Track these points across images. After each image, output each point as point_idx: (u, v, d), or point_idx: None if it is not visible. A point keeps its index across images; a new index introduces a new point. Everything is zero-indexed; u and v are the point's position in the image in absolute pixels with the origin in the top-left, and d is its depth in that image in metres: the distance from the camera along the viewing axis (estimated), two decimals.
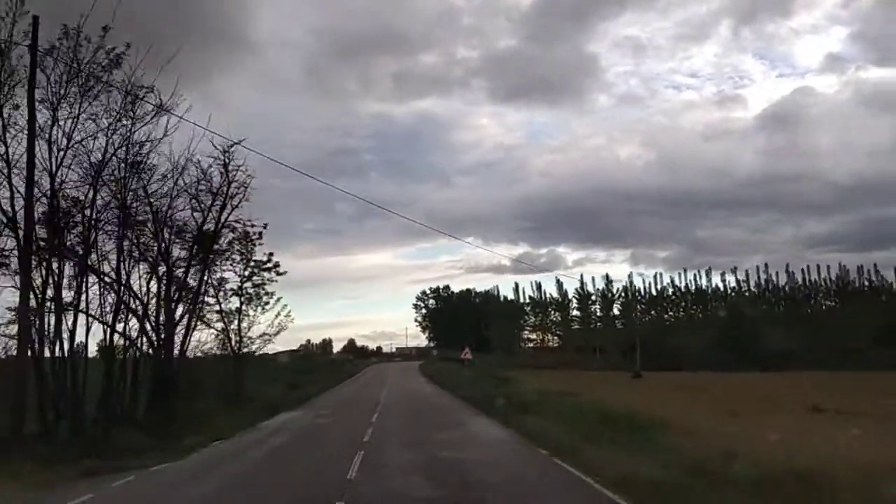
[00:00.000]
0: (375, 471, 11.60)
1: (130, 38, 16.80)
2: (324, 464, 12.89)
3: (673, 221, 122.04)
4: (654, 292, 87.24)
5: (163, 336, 20.69)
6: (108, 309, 18.49)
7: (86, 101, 16.52)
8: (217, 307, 26.93)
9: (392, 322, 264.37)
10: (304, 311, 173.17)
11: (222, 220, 22.63)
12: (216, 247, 23.86)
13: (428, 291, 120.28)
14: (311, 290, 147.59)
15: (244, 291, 28.05)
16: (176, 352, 21.83)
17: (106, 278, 18.56)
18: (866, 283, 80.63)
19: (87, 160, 17.28)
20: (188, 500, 10.10)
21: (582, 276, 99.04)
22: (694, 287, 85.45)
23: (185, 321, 22.25)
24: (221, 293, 27.08)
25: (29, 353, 15.29)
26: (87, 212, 17.50)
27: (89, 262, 17.75)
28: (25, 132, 15.11)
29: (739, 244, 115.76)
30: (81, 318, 17.62)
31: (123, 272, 19.03)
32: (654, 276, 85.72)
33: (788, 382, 36.55)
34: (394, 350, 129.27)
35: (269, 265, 28.41)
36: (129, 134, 17.85)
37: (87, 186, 17.38)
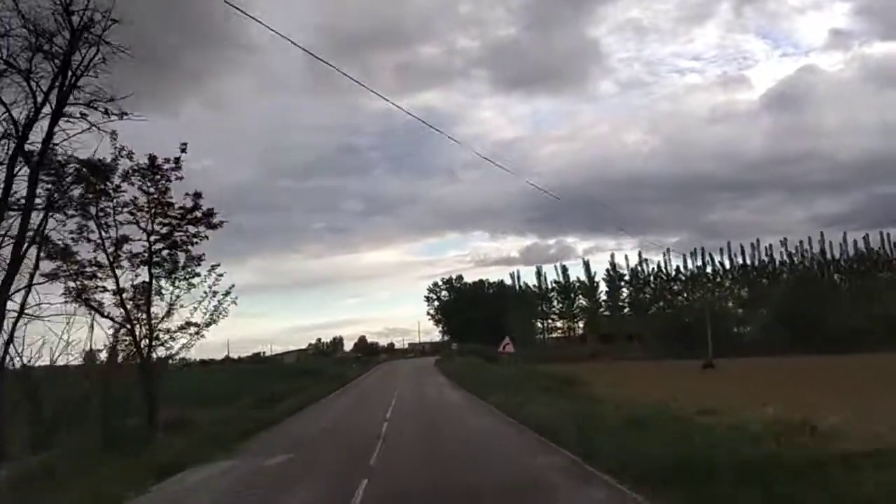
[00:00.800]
0: None
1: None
2: None
3: (680, 206, 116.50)
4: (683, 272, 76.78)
5: None
6: None
7: None
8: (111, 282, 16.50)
9: (403, 318, 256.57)
10: (315, 310, 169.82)
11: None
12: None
13: (440, 283, 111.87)
14: (321, 289, 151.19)
15: (158, 256, 17.44)
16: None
17: None
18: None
19: None
20: None
21: (589, 262, 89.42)
22: (729, 265, 74.96)
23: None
24: (123, 262, 16.72)
25: None
26: None
27: None
28: None
29: (750, 226, 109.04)
30: None
31: None
32: (692, 253, 74.67)
33: None
34: (406, 346, 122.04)
35: (195, 214, 17.77)
36: None
37: None
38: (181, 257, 17.75)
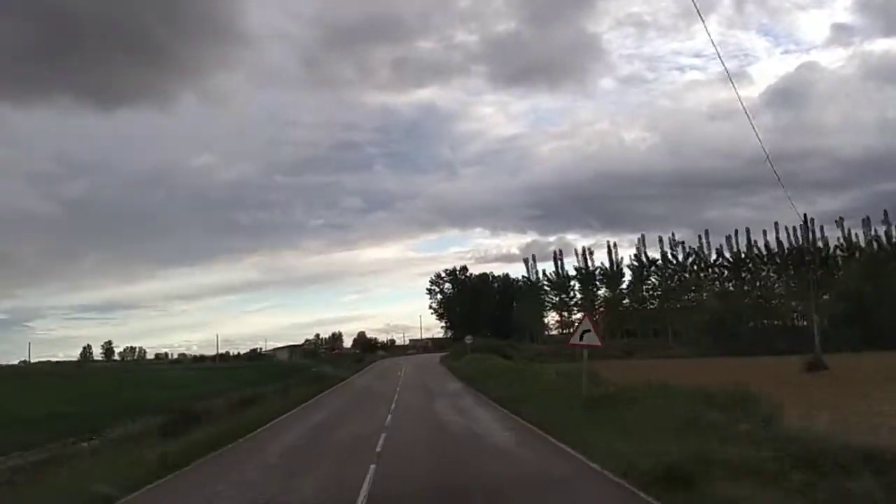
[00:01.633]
0: None
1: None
2: None
3: (680, 203, 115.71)
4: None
5: None
6: None
7: None
8: None
9: (405, 315, 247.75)
10: (316, 306, 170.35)
11: None
12: None
13: (443, 274, 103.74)
14: (321, 286, 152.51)
15: None
16: None
17: None
18: None
19: None
20: None
21: (588, 256, 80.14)
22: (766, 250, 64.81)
23: None
24: None
25: None
26: None
27: None
28: None
29: (750, 223, 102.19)
30: None
31: None
32: (727, 238, 64.53)
33: None
34: (408, 342, 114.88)
35: None
36: None
37: None
38: None
